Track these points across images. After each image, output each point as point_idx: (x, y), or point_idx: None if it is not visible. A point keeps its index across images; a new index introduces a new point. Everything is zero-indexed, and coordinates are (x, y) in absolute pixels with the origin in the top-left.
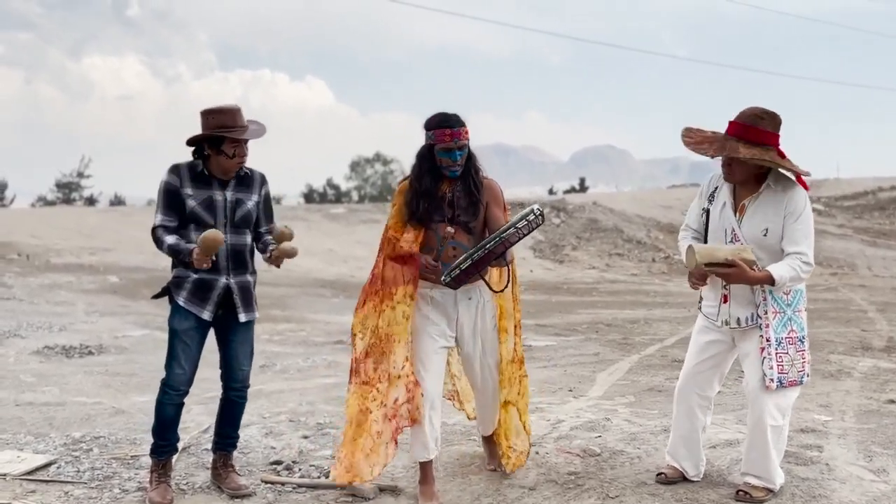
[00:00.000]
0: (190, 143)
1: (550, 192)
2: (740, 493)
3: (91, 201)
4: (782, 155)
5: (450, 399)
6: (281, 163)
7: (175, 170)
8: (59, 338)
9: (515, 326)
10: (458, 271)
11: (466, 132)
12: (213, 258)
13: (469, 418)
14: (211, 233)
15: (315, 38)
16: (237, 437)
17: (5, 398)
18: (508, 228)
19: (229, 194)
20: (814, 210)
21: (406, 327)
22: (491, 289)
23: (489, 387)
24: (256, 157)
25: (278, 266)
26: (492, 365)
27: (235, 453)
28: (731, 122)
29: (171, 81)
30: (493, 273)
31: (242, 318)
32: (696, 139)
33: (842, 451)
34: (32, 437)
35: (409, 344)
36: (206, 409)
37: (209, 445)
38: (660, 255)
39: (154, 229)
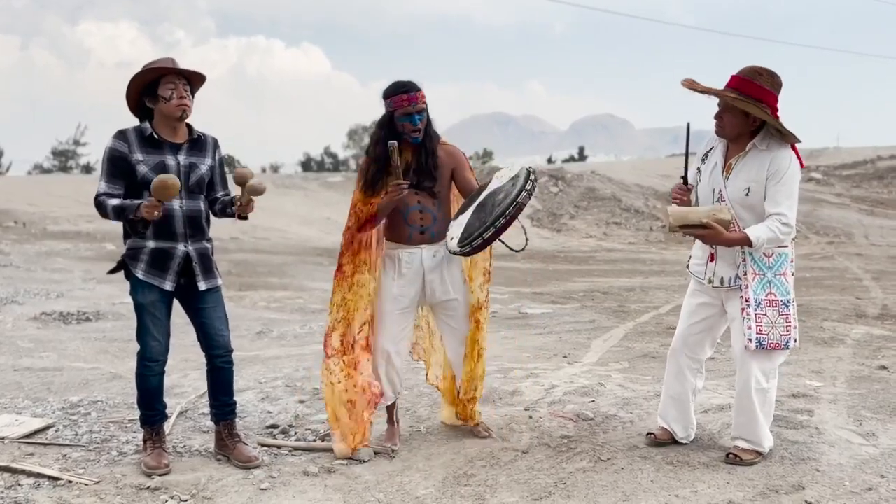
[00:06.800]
0: (131, 101)
1: (549, 160)
2: (730, 455)
3: (87, 169)
4: (777, 116)
5: (412, 353)
6: (278, 131)
7: (121, 135)
8: (57, 304)
9: (486, 273)
10: (480, 241)
11: (423, 97)
12: (163, 212)
13: (427, 381)
14: (165, 175)
15: (313, 5)
16: (234, 403)
17: (3, 363)
18: (520, 193)
19: (182, 158)
20: (812, 179)
21: (364, 295)
22: (512, 249)
23: (458, 335)
24: (254, 124)
25: (250, 210)
26: (463, 313)
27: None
28: (731, 77)
29: (169, 48)
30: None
31: (202, 286)
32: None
33: (832, 415)
34: (31, 402)
35: (366, 312)
36: (202, 374)
37: (205, 410)
38: (657, 223)
39: (97, 196)
